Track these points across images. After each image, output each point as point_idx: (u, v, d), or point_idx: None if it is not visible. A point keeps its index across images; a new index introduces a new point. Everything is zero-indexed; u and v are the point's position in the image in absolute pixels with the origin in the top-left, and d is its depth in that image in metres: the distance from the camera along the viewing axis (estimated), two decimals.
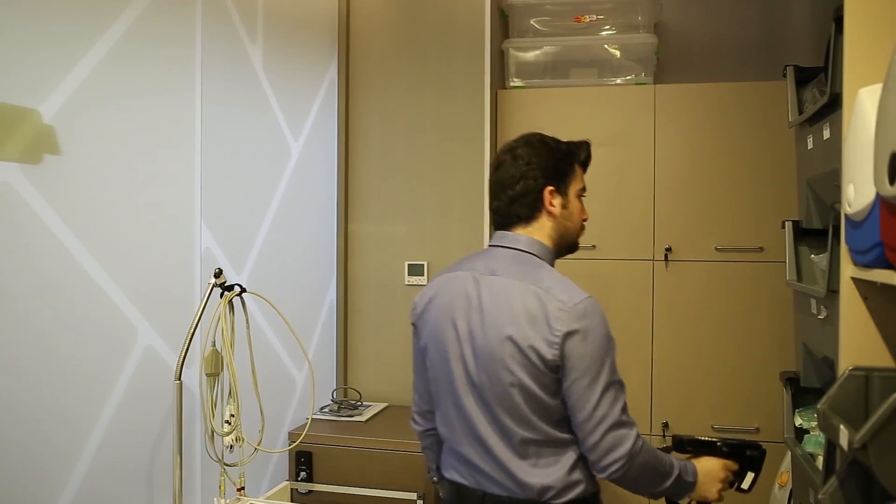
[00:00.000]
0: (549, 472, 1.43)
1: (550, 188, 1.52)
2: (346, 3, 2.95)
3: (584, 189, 1.60)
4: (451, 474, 1.56)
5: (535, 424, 1.43)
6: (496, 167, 1.56)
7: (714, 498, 1.55)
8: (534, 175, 1.52)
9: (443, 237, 2.89)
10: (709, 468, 1.55)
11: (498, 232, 1.57)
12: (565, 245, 1.58)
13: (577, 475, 1.44)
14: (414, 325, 1.63)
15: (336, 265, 2.96)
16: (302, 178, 2.69)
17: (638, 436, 1.42)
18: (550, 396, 1.41)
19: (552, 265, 1.53)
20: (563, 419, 1.44)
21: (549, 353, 1.38)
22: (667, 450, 1.59)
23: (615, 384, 1.41)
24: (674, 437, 1.69)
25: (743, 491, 1.63)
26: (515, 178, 1.52)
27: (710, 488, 1.54)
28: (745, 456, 1.61)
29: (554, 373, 1.40)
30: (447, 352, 1.52)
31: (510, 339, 1.42)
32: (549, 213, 1.53)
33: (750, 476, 1.62)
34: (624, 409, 1.41)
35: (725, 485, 1.57)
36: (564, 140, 1.60)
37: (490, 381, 1.44)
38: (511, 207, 1.53)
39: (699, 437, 1.63)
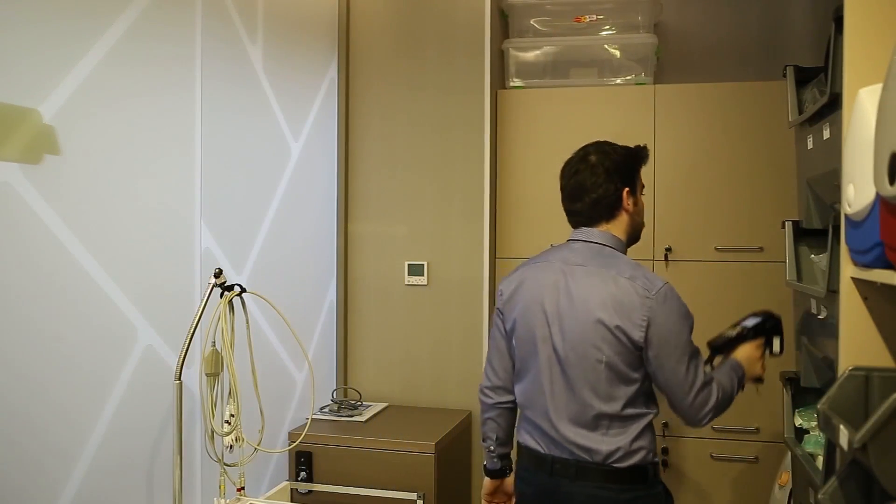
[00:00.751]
0: (615, 440, 1.66)
1: (627, 189, 1.78)
2: (346, 3, 2.95)
3: (643, 186, 1.87)
4: (526, 439, 1.78)
5: (613, 398, 1.66)
6: (573, 173, 1.79)
7: (760, 372, 1.89)
8: (613, 180, 1.76)
9: (443, 237, 2.89)
10: (747, 354, 1.87)
11: (581, 229, 1.80)
12: (635, 236, 1.84)
13: (639, 443, 1.67)
14: (499, 309, 1.86)
15: (336, 265, 2.96)
16: (302, 179, 2.69)
17: (716, 387, 1.71)
18: (633, 370, 1.67)
19: (625, 255, 1.77)
20: (638, 395, 1.68)
21: (637, 335, 1.64)
22: (710, 358, 1.89)
23: (695, 354, 1.69)
24: (709, 345, 1.93)
25: (778, 354, 1.92)
26: (598, 183, 1.76)
27: (755, 368, 1.87)
28: (765, 329, 1.91)
29: (639, 350, 1.65)
30: (535, 333, 1.74)
31: (600, 321, 1.65)
32: (626, 211, 1.79)
33: (776, 341, 1.91)
34: (704, 372, 1.70)
35: (763, 359, 1.89)
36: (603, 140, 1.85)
37: (578, 358, 1.67)
38: (594, 209, 1.77)
39: (727, 335, 1.91)
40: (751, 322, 1.92)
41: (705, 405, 1.69)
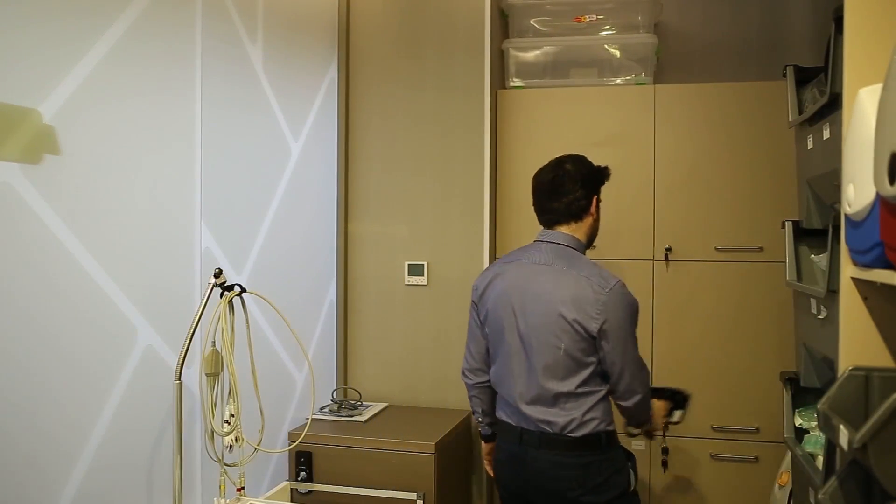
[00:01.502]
0: (570, 413, 1.92)
1: (596, 196, 2.07)
2: (346, 3, 2.95)
3: (601, 200, 2.12)
4: (500, 415, 2.06)
5: (568, 379, 1.92)
6: (552, 178, 2.04)
7: (658, 428, 2.19)
8: (587, 187, 2.04)
9: (443, 237, 2.89)
10: (656, 407, 2.14)
11: (546, 231, 2.06)
12: (593, 238, 2.11)
13: (591, 415, 1.92)
14: (474, 302, 2.12)
15: (336, 265, 2.96)
16: (302, 178, 2.69)
17: (645, 388, 2.00)
18: (587, 356, 1.92)
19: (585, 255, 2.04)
20: (591, 376, 1.93)
21: (592, 326, 1.89)
22: None
23: (635, 343, 1.96)
24: None
25: (676, 423, 2.23)
26: (574, 189, 2.02)
27: (657, 421, 2.16)
28: (675, 398, 2.22)
29: (593, 339, 1.90)
30: (503, 324, 2.01)
31: (560, 315, 1.91)
32: (591, 216, 2.06)
33: (678, 413, 2.22)
34: (641, 359, 1.98)
35: (665, 420, 2.19)
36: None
37: (540, 346, 1.93)
38: (568, 209, 2.02)
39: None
40: (666, 388, 2.25)
41: (639, 387, 1.98)
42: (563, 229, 2.03)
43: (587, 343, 1.91)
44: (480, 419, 2.20)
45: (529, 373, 1.95)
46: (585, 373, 1.92)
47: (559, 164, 2.07)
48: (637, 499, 2.07)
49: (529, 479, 1.97)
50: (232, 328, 1.83)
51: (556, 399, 1.92)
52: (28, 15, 1.53)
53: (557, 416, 1.92)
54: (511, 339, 1.99)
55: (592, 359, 1.92)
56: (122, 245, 1.81)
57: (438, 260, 2.89)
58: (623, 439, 2.13)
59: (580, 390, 1.92)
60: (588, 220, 2.06)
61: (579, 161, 2.08)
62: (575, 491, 1.92)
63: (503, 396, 2.04)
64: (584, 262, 1.98)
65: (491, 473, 2.24)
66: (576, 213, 2.03)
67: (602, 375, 1.95)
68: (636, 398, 1.98)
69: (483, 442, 2.28)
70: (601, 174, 2.11)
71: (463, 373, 2.19)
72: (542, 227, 2.09)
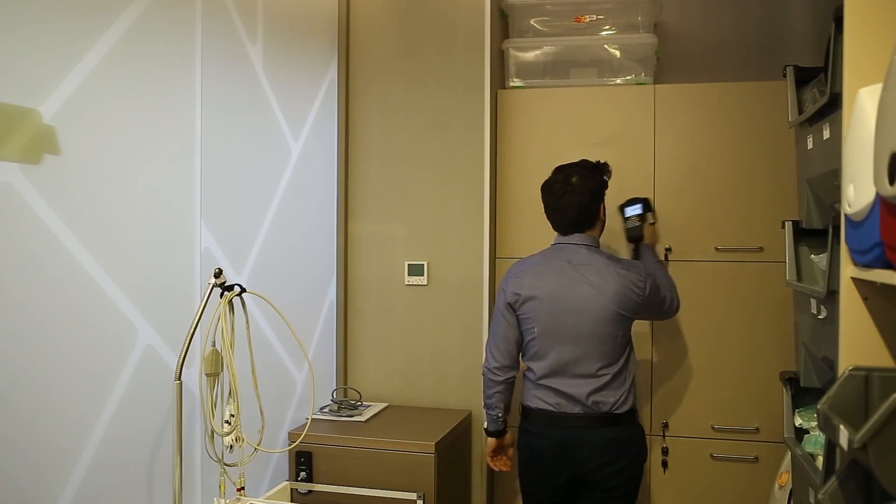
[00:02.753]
0: (616, 392, 2.20)
1: (601, 205, 2.34)
2: (346, 3, 2.95)
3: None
4: (538, 403, 2.25)
5: (616, 362, 2.21)
6: (562, 193, 2.28)
7: (658, 239, 2.69)
8: (594, 198, 2.30)
9: (443, 237, 2.89)
10: (649, 234, 2.63)
11: (568, 235, 2.32)
12: (601, 233, 2.40)
13: (630, 390, 2.24)
14: (510, 305, 2.30)
15: (336, 265, 2.96)
16: (302, 179, 2.69)
17: (665, 282, 2.41)
18: (628, 337, 2.27)
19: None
20: (629, 356, 2.25)
21: (634, 309, 2.24)
22: (635, 250, 2.68)
23: (662, 286, 2.36)
24: (629, 240, 2.70)
25: (655, 222, 2.68)
26: (582, 203, 2.27)
27: (655, 239, 2.68)
28: (645, 210, 2.64)
29: (634, 316, 2.27)
30: (553, 321, 2.23)
31: (608, 306, 2.20)
32: (600, 220, 2.36)
33: (650, 215, 2.66)
34: (664, 277, 2.44)
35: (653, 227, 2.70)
36: (590, 159, 2.39)
37: (594, 336, 2.19)
38: (580, 221, 2.29)
39: (633, 228, 2.64)
40: (637, 210, 2.60)
41: (674, 300, 2.41)
42: (584, 232, 2.31)
43: (630, 324, 2.25)
44: (500, 415, 2.33)
45: (585, 360, 2.20)
46: (627, 353, 2.24)
47: (566, 179, 2.29)
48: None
49: (583, 458, 2.18)
50: (232, 328, 1.83)
51: (606, 380, 2.19)
52: (28, 15, 1.53)
53: (608, 396, 2.19)
54: (567, 333, 2.21)
55: (630, 339, 2.26)
56: (122, 245, 1.81)
57: (438, 260, 2.89)
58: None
59: (623, 370, 2.22)
60: (598, 225, 2.35)
61: (584, 173, 2.29)
62: (622, 460, 2.19)
63: (550, 386, 2.23)
64: (612, 256, 2.30)
65: (495, 469, 2.43)
66: (587, 222, 2.31)
67: (633, 353, 2.29)
68: (676, 305, 2.43)
69: (492, 439, 2.37)
70: (602, 174, 2.34)
71: (490, 370, 2.32)
72: (555, 232, 2.36)
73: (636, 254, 2.66)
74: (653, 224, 2.65)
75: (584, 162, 2.35)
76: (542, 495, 2.29)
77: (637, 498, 2.29)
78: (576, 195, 2.26)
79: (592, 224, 2.32)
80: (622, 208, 2.66)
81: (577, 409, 2.19)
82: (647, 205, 2.64)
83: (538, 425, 2.25)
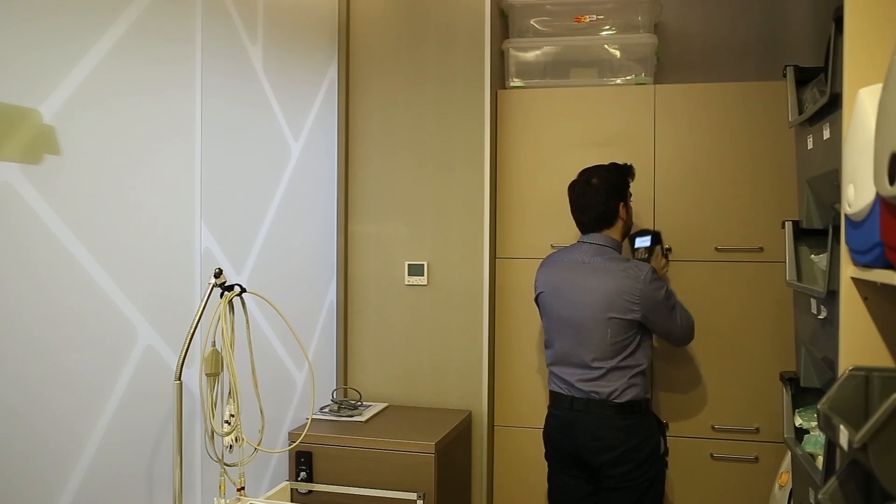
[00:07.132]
0: (615, 383, 2.31)
1: (621, 203, 2.43)
2: (346, 3, 2.95)
3: (631, 195, 2.51)
4: (553, 387, 2.45)
5: (614, 356, 2.31)
6: (581, 194, 2.42)
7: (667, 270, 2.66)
8: (612, 198, 2.40)
9: (443, 237, 2.89)
10: (659, 268, 2.55)
11: (588, 234, 2.44)
12: (625, 236, 2.50)
13: (631, 383, 2.31)
14: (535, 296, 2.52)
15: (336, 265, 2.96)
16: (302, 178, 2.69)
17: (681, 312, 2.42)
18: (627, 335, 2.32)
19: (620, 252, 2.45)
20: (632, 352, 2.32)
21: (633, 308, 2.30)
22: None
23: (673, 308, 2.38)
24: None
25: (668, 252, 2.67)
26: (600, 202, 2.39)
27: (665, 272, 2.63)
28: (653, 243, 2.59)
29: (634, 319, 2.30)
30: (562, 314, 2.40)
31: (606, 304, 2.30)
32: (621, 219, 2.44)
33: (659, 248, 2.60)
34: (683, 309, 2.43)
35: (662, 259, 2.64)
36: (616, 163, 2.49)
37: (591, 331, 2.32)
38: (598, 221, 2.41)
39: (644, 259, 2.56)
40: (645, 243, 2.58)
41: (690, 327, 2.45)
42: (604, 232, 2.42)
43: (629, 324, 2.30)
44: None
45: (584, 351, 2.33)
46: (628, 350, 2.31)
47: (587, 180, 2.42)
48: (665, 462, 2.39)
49: (579, 438, 2.33)
50: (232, 328, 1.83)
51: (602, 371, 2.31)
52: (28, 14, 1.53)
53: (604, 387, 2.30)
54: (566, 325, 2.37)
55: (631, 337, 2.31)
56: (122, 245, 1.81)
57: (438, 260, 2.89)
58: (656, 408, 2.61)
59: (623, 364, 2.30)
60: (618, 224, 2.43)
61: (604, 174, 2.41)
62: (619, 448, 2.27)
63: (558, 373, 2.41)
64: (619, 257, 2.40)
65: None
66: (606, 221, 2.41)
67: (643, 351, 2.35)
68: (691, 333, 2.46)
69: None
70: (625, 175, 2.46)
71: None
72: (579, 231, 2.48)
73: None
74: (665, 256, 2.60)
75: (612, 164, 2.46)
76: (556, 465, 2.47)
77: (658, 500, 2.36)
78: (593, 195, 2.39)
79: (611, 223, 2.41)
80: (632, 238, 2.62)
81: (577, 395, 2.35)
82: (656, 238, 2.60)
83: (552, 404, 2.46)
